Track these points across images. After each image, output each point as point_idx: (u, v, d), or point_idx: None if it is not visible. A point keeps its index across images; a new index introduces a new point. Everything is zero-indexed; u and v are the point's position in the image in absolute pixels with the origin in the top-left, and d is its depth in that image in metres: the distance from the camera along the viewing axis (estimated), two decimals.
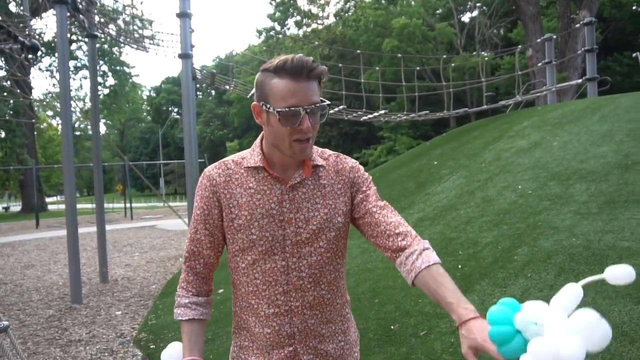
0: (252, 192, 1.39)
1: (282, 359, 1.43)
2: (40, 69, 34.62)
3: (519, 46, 15.00)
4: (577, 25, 13.39)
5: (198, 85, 52.79)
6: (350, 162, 1.50)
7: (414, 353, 3.39)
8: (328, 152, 1.51)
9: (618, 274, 1.03)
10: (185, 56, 7.87)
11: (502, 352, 1.03)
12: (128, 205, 26.22)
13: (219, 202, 1.42)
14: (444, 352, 3.31)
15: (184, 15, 7.87)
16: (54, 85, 35.92)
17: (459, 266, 4.47)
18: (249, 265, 1.41)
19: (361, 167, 1.52)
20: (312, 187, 1.41)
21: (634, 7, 32.83)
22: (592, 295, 3.38)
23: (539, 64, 13.29)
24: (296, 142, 1.32)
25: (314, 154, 1.45)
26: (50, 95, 35.12)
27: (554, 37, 12.85)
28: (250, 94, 11.17)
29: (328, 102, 1.34)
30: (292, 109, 1.27)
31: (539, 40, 14.16)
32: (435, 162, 8.47)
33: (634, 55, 28.26)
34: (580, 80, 11.52)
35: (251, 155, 1.44)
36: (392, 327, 3.80)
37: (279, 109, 1.29)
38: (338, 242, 1.44)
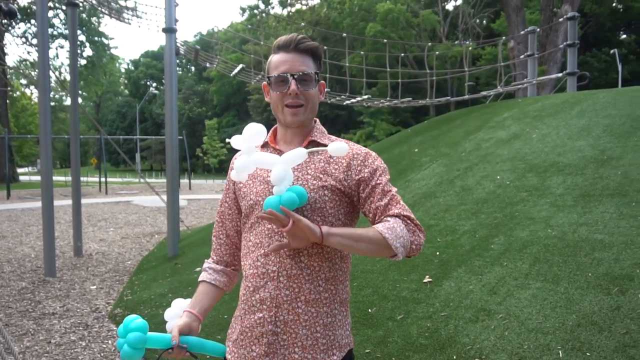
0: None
1: (252, 326, 1.43)
2: (13, 35, 33.53)
3: (503, 37, 15.10)
4: (560, 20, 13.53)
5: (178, 61, 52.03)
6: (356, 148, 1.51)
7: (390, 336, 3.44)
8: (346, 141, 1.53)
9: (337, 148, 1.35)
10: (170, 30, 7.72)
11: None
12: (103, 179, 25.82)
13: (234, 187, 1.59)
14: (420, 336, 3.37)
15: None
16: (28, 53, 34.85)
17: (437, 253, 4.54)
18: (247, 229, 1.50)
19: (371, 154, 1.50)
20: (307, 161, 1.47)
21: (614, 4, 33.30)
22: (564, 285, 3.47)
23: (521, 57, 13.42)
24: (287, 108, 1.46)
25: (321, 135, 1.55)
26: (24, 63, 34.09)
27: (538, 29, 12.96)
28: (233, 73, 11.03)
29: (315, 71, 1.47)
30: (281, 74, 1.45)
31: (522, 32, 14.26)
32: (416, 150, 8.53)
33: (611, 52, 28.72)
34: (561, 74, 11.68)
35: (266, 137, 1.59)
36: (369, 310, 3.85)
37: (270, 75, 1.48)
38: (327, 216, 1.42)
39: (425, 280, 4.09)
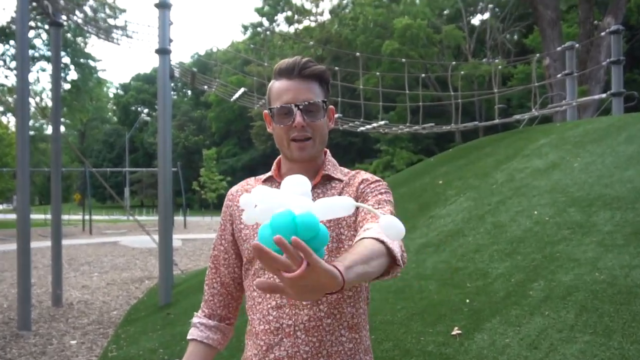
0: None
1: None
2: None
3: (537, 54, 15.21)
4: (602, 34, 13.63)
5: (172, 85, 52.88)
6: (364, 175, 1.55)
7: None
8: (352, 172, 1.60)
9: (390, 225, 1.03)
10: (163, 51, 7.87)
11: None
12: (87, 217, 25.98)
13: (231, 217, 1.57)
14: None
15: (163, 5, 7.88)
16: (6, 77, 35.66)
17: (467, 300, 4.47)
18: (252, 277, 1.48)
19: (377, 179, 1.55)
20: (321, 197, 1.42)
21: None
22: (618, 339, 3.39)
23: (558, 75, 13.47)
24: (293, 142, 1.46)
25: (334, 168, 1.57)
26: (1, 88, 34.83)
27: (576, 45, 13.05)
28: (233, 97, 11.17)
29: (323, 99, 1.47)
30: (285, 105, 1.43)
31: (558, 48, 14.36)
32: (440, 181, 8.51)
33: None
34: (604, 95, 11.67)
35: (271, 171, 1.60)
36: None
37: (272, 107, 1.47)
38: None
39: (453, 333, 4.02)
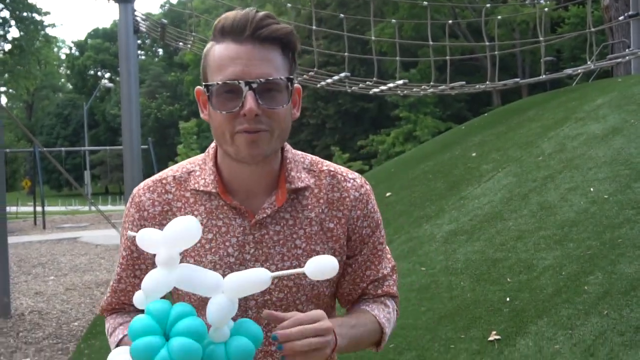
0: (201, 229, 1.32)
1: None
2: None
3: None
4: None
5: (139, 42, 52.58)
6: (353, 188, 1.41)
7: None
8: (322, 164, 1.44)
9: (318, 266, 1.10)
10: None
11: None
12: (39, 208, 26.09)
13: None
14: None
15: None
16: None
17: (507, 299, 4.49)
18: None
19: (371, 194, 1.44)
20: (290, 223, 1.34)
21: None
22: None
23: (620, 18, 13.35)
24: (240, 135, 1.24)
25: (297, 169, 1.38)
26: None
27: None
28: None
29: (288, 76, 1.26)
30: (230, 82, 1.22)
31: None
32: (474, 154, 8.50)
33: None
34: None
35: (201, 171, 1.38)
36: None
37: (209, 83, 1.26)
38: (323, 302, 1.39)
39: (491, 338, 4.05)
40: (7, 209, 9.59)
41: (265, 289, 1.17)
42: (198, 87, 1.34)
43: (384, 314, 1.43)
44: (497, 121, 10.44)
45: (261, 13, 1.24)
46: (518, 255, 5.13)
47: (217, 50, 1.25)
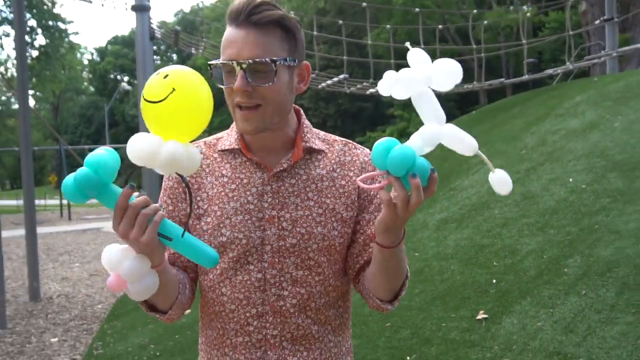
0: (225, 182, 1.38)
1: None
2: None
3: None
4: None
5: (155, 48, 52.54)
6: (363, 154, 1.47)
7: None
8: (334, 137, 1.49)
9: (500, 179, 1.15)
10: (141, 8, 7.84)
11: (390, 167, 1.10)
12: (65, 201, 26.12)
13: (185, 195, 1.41)
14: None
15: None
16: None
17: (494, 281, 4.50)
18: (217, 277, 1.38)
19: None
20: (304, 178, 1.38)
21: None
22: None
23: (596, 22, 13.31)
24: (238, 109, 1.32)
25: (312, 134, 1.44)
26: None
27: None
28: None
29: (284, 58, 1.31)
30: (226, 62, 1.29)
31: None
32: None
33: None
34: None
35: (228, 136, 1.45)
36: (408, 358, 3.82)
37: (211, 62, 1.33)
38: (333, 255, 1.39)
39: (479, 317, 4.05)
40: (36, 202, 9.61)
41: (280, 235, 1.31)
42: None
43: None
44: (484, 118, 10.44)
45: (258, 0, 1.29)
46: (503, 241, 5.13)
47: (225, 34, 1.33)
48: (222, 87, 1.33)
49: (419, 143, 1.11)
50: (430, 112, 1.15)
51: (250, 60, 1.26)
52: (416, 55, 1.17)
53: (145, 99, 1.11)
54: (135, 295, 1.20)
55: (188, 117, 1.12)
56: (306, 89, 1.43)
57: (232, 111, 1.34)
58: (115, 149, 1.21)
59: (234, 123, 1.42)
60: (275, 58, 1.28)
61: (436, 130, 1.12)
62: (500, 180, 1.14)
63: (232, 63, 1.27)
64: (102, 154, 1.11)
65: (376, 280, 1.35)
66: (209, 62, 1.33)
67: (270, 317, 1.35)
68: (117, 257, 1.20)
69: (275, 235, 1.34)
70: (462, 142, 1.15)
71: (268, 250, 1.34)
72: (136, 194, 1.17)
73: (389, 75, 1.16)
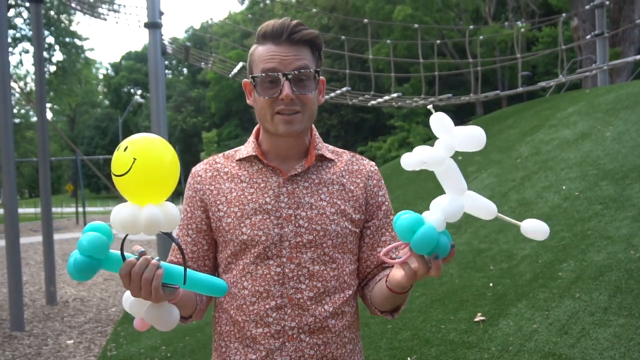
0: (244, 186, 1.44)
1: None
2: None
3: (562, 15, 15.03)
4: None
5: (167, 63, 52.74)
6: (369, 164, 1.55)
7: None
8: (342, 150, 1.58)
9: (533, 227, 1.17)
10: (153, 25, 7.86)
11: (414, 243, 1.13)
12: (80, 209, 26.16)
13: (202, 202, 1.47)
14: None
15: None
16: None
17: (490, 284, 4.48)
18: (239, 272, 1.43)
19: (377, 169, 1.56)
20: (316, 182, 1.45)
21: None
22: None
23: (587, 37, 13.31)
24: (279, 115, 1.39)
25: (323, 147, 1.52)
26: None
27: (607, 2, 12.87)
28: (232, 73, 11.16)
29: (316, 69, 1.41)
30: (271, 73, 1.37)
31: (587, 6, 14.17)
32: (460, 157, 8.47)
33: None
34: (639, 57, 11.55)
35: (245, 147, 1.53)
36: (408, 358, 3.81)
37: (255, 75, 1.41)
38: (346, 252, 1.44)
39: (477, 319, 4.04)
40: (53, 209, 9.62)
41: (297, 231, 1.38)
42: (245, 79, 1.49)
43: None
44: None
45: (294, 21, 1.41)
46: (500, 246, 5.12)
47: (260, 50, 1.41)
48: (264, 98, 1.39)
49: (441, 219, 1.15)
50: (453, 185, 1.19)
51: (295, 71, 1.37)
52: (439, 121, 1.17)
53: (113, 174, 1.14)
54: (162, 328, 1.26)
55: (155, 181, 1.14)
56: (323, 100, 1.53)
57: (269, 118, 1.41)
58: None
59: (250, 137, 1.53)
60: (316, 69, 1.42)
61: (459, 205, 1.16)
62: (532, 229, 1.16)
63: (278, 74, 1.36)
64: (93, 238, 1.16)
65: (383, 303, 1.40)
66: (252, 75, 1.42)
67: (288, 309, 1.39)
68: (137, 307, 1.29)
69: (293, 232, 1.40)
70: (482, 209, 1.19)
71: (286, 246, 1.40)
72: (136, 250, 1.24)
73: (414, 156, 1.17)
